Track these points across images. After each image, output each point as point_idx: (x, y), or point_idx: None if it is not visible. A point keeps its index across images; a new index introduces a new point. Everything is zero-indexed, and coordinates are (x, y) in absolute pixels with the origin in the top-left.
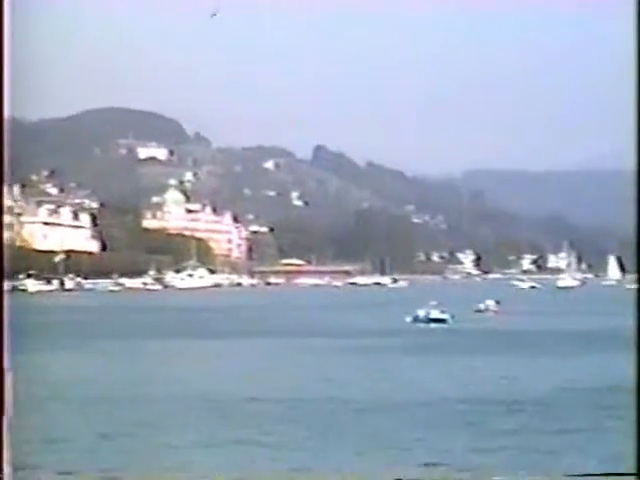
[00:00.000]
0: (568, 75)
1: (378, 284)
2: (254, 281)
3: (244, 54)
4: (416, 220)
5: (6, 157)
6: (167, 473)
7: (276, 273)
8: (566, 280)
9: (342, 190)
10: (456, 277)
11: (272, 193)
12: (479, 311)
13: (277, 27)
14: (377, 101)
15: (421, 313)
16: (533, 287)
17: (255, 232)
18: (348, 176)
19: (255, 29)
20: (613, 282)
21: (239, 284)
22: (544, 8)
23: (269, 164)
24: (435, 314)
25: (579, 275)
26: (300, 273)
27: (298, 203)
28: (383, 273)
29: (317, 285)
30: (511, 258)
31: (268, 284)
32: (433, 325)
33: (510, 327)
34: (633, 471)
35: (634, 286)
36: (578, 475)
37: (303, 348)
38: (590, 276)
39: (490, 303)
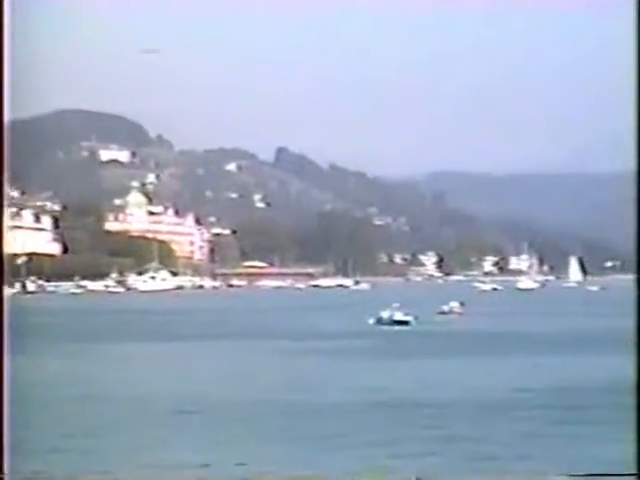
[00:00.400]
0: (535, 78)
1: (341, 286)
2: (216, 283)
3: (207, 57)
4: (378, 222)
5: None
6: (167, 474)
7: (238, 275)
8: (525, 282)
9: (304, 192)
10: (418, 279)
11: (234, 195)
12: (443, 313)
13: (238, 29)
14: (339, 103)
15: (384, 315)
16: (495, 289)
17: (217, 234)
18: (310, 178)
19: (216, 32)
20: (573, 284)
21: (201, 286)
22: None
23: (231, 166)
24: (398, 316)
25: (540, 277)
26: (262, 275)
27: (260, 205)
28: (346, 275)
29: (279, 287)
30: (473, 260)
31: (230, 286)
32: (397, 327)
33: (473, 328)
34: (633, 471)
35: (595, 288)
36: (578, 475)
37: (265, 350)
38: (551, 278)
39: (454, 305)
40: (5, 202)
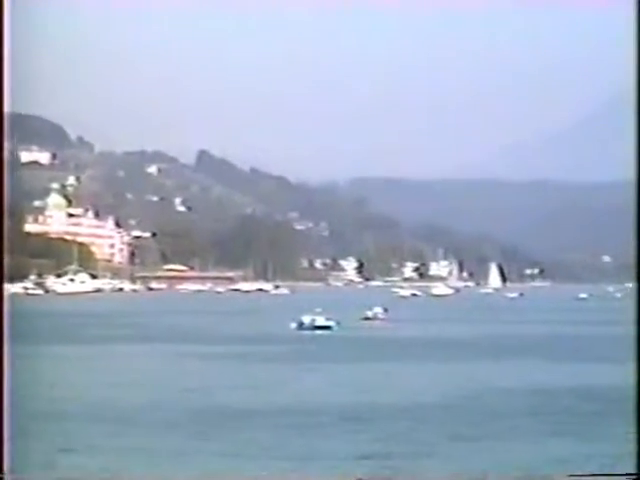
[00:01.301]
0: (459, 83)
1: (260, 290)
2: (136, 286)
3: (128, 59)
4: (299, 227)
5: None
6: (166, 474)
7: (158, 279)
8: (440, 288)
9: (225, 196)
10: (338, 284)
11: (155, 198)
12: (367, 318)
13: (159, 29)
14: (260, 108)
15: (306, 320)
16: (414, 295)
17: (137, 237)
18: (232, 182)
19: (136, 32)
20: (490, 290)
21: (121, 289)
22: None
23: (152, 169)
24: (320, 321)
25: (460, 283)
26: (182, 279)
27: (181, 208)
28: (266, 279)
29: (199, 291)
30: (393, 265)
31: (150, 290)
32: (318, 332)
33: (393, 335)
34: (633, 471)
35: (513, 294)
36: (579, 475)
37: (184, 354)
38: (471, 284)
39: (378, 310)
40: None
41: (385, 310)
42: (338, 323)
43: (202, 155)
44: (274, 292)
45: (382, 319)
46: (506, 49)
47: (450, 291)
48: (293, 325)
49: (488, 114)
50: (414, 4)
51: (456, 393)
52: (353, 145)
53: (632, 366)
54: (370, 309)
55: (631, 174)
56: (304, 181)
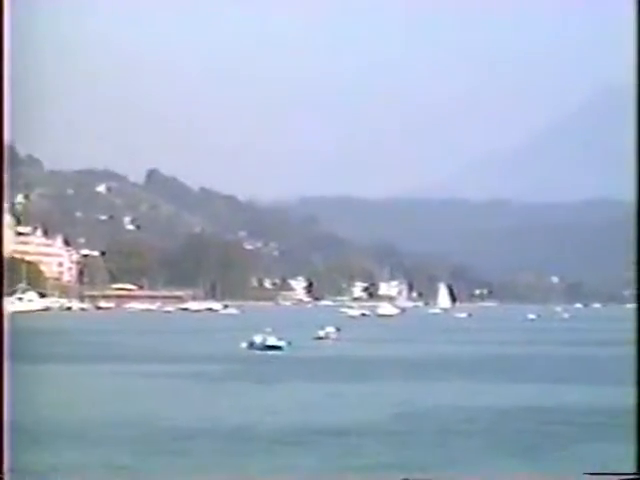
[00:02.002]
0: (404, 103)
1: (210, 310)
2: (84, 305)
3: (77, 75)
4: (249, 246)
5: None
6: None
7: (107, 297)
8: (386, 308)
9: (175, 215)
10: (288, 303)
11: (104, 217)
12: (319, 338)
13: (110, 47)
14: (210, 126)
15: (257, 339)
16: (364, 314)
17: (86, 256)
18: (181, 201)
19: (86, 50)
20: (439, 310)
21: (69, 308)
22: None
23: (101, 187)
24: (272, 341)
25: (409, 303)
26: (131, 298)
27: (130, 227)
28: (215, 299)
29: (148, 310)
30: (343, 285)
31: (99, 308)
32: (270, 352)
33: (342, 354)
34: (633, 471)
35: (463, 314)
36: (579, 475)
37: (130, 374)
38: (420, 304)
39: (330, 330)
40: None
41: (337, 329)
42: (289, 343)
43: (152, 174)
44: (223, 312)
45: (334, 339)
46: (462, 71)
47: (396, 311)
48: (244, 345)
49: (441, 135)
50: (375, 16)
51: (395, 413)
52: (305, 164)
53: (579, 386)
54: (322, 328)
55: (578, 195)
56: (254, 200)
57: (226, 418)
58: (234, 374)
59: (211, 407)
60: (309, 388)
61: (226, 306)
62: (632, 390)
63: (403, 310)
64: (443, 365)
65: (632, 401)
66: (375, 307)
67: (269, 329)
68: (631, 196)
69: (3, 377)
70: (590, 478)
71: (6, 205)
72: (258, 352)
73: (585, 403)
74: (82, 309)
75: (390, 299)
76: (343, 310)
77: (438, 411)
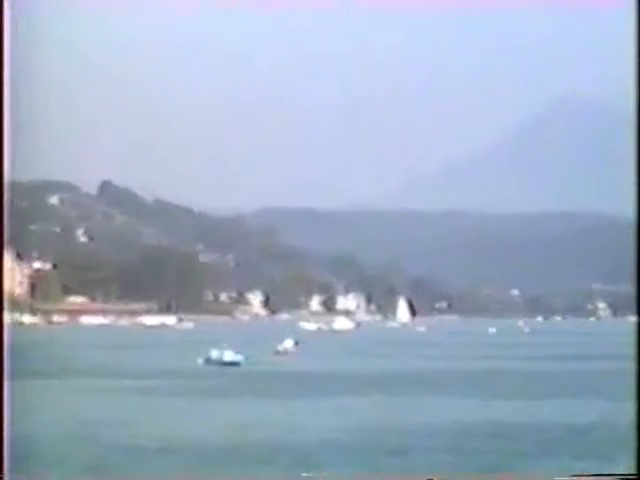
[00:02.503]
0: (369, 111)
1: (165, 324)
2: (36, 319)
3: (30, 86)
4: (205, 259)
5: None
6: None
7: (60, 311)
8: (342, 323)
9: (129, 227)
10: (245, 317)
11: (57, 229)
12: (277, 353)
13: (62, 63)
14: (164, 137)
15: (214, 354)
16: (321, 328)
17: (38, 269)
18: (136, 212)
19: (36, 62)
20: (397, 324)
21: (21, 323)
22: None
23: (54, 199)
24: (229, 356)
25: (368, 316)
26: (85, 311)
27: (84, 239)
28: (170, 312)
29: (102, 324)
30: (301, 299)
31: (51, 323)
32: (226, 367)
33: (304, 369)
34: (633, 471)
35: (422, 328)
36: (579, 475)
37: (84, 389)
38: (378, 317)
39: (288, 344)
40: None
41: (296, 344)
42: (247, 358)
43: (105, 185)
44: (178, 326)
45: (292, 353)
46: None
47: (351, 325)
48: (200, 360)
49: (397, 145)
50: (325, 25)
51: (344, 428)
52: (261, 175)
53: (537, 402)
54: (280, 343)
55: (537, 207)
56: (210, 212)
57: (180, 434)
58: (190, 390)
59: (166, 423)
60: (266, 404)
61: (181, 320)
62: (591, 403)
63: (358, 324)
64: (401, 380)
65: (591, 416)
66: (333, 321)
67: (225, 344)
68: (591, 208)
69: (3, 374)
70: (591, 478)
71: None
72: (215, 368)
73: (539, 419)
74: (33, 324)
75: (348, 313)
76: (301, 324)
77: (396, 426)
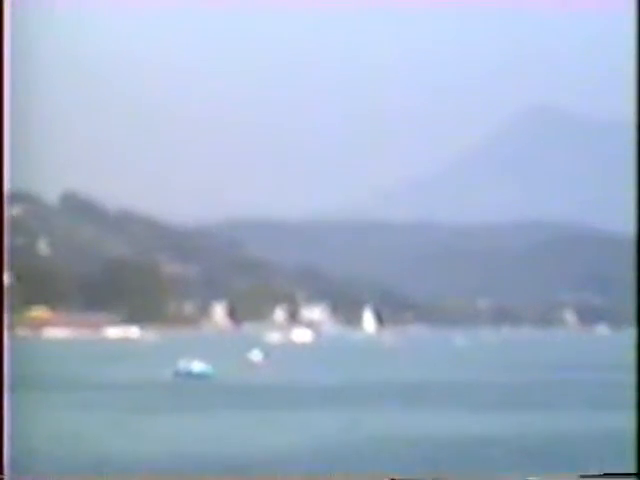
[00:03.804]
0: (334, 123)
1: (128, 336)
2: None
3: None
4: (168, 270)
5: None
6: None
7: (21, 324)
8: (303, 335)
9: (92, 238)
10: (209, 329)
11: (19, 240)
12: (246, 364)
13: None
14: (128, 145)
15: (182, 366)
16: (286, 340)
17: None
18: (98, 223)
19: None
20: (362, 335)
21: None
22: None
23: (16, 210)
24: (197, 367)
25: (333, 328)
26: (47, 324)
27: (45, 251)
28: (134, 324)
29: (67, 336)
30: (265, 310)
31: (13, 336)
32: (195, 379)
33: (273, 381)
34: (633, 471)
35: (388, 339)
36: (579, 475)
37: (52, 404)
38: (344, 328)
39: (257, 356)
40: None
41: (266, 355)
42: (214, 369)
43: (67, 196)
44: (142, 337)
45: (261, 365)
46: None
47: (311, 337)
48: (167, 372)
49: (365, 154)
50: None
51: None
52: (226, 185)
53: (503, 413)
54: (248, 354)
55: (507, 217)
56: (174, 223)
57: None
58: (160, 403)
59: (136, 438)
60: (237, 416)
61: (145, 331)
62: (558, 415)
63: (319, 336)
64: (369, 392)
65: (560, 426)
66: (297, 333)
67: (193, 356)
68: (559, 217)
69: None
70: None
71: None
72: (182, 380)
73: (507, 430)
74: None
75: (312, 324)
76: (264, 335)
77: (368, 438)
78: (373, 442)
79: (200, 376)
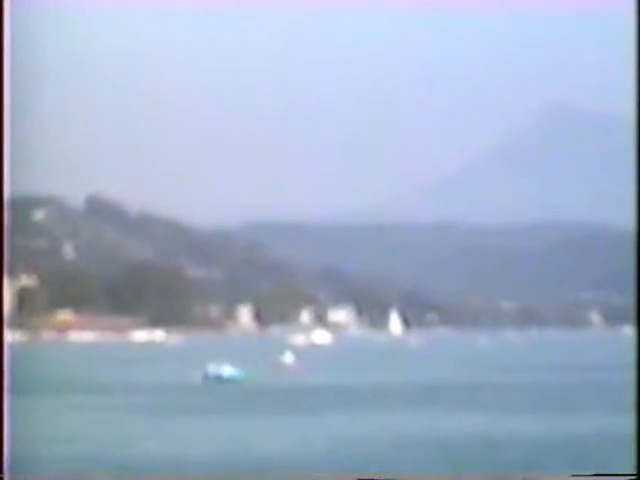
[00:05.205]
0: (356, 123)
1: (154, 339)
2: (24, 336)
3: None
4: (193, 273)
5: None
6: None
7: (47, 327)
8: (327, 337)
9: (116, 241)
10: (235, 332)
11: (44, 244)
12: (276, 366)
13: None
14: (149, 149)
15: (211, 370)
16: (312, 342)
17: (26, 285)
18: (123, 227)
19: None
20: (385, 338)
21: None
22: None
23: (41, 213)
24: (227, 371)
25: (359, 330)
26: (73, 327)
27: (71, 254)
28: (159, 327)
29: (92, 339)
30: (291, 312)
31: (39, 339)
32: (225, 382)
33: (305, 384)
34: (633, 471)
35: (413, 341)
36: (579, 475)
37: (81, 407)
38: (370, 331)
39: (289, 358)
40: None
41: (296, 357)
42: (246, 373)
43: (92, 199)
44: (168, 341)
45: (292, 368)
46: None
47: (327, 341)
48: (196, 375)
49: (388, 156)
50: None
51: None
52: (249, 188)
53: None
54: (276, 357)
55: (526, 217)
56: (198, 226)
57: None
58: (190, 405)
59: (170, 442)
60: (272, 419)
61: (170, 335)
62: (587, 418)
63: (345, 338)
64: (400, 394)
65: (587, 428)
66: (323, 335)
67: (222, 359)
68: (577, 216)
69: (3, 373)
70: (591, 479)
71: None
72: (212, 383)
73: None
74: (22, 341)
75: (338, 326)
76: (291, 338)
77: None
78: (401, 444)
79: (230, 380)
